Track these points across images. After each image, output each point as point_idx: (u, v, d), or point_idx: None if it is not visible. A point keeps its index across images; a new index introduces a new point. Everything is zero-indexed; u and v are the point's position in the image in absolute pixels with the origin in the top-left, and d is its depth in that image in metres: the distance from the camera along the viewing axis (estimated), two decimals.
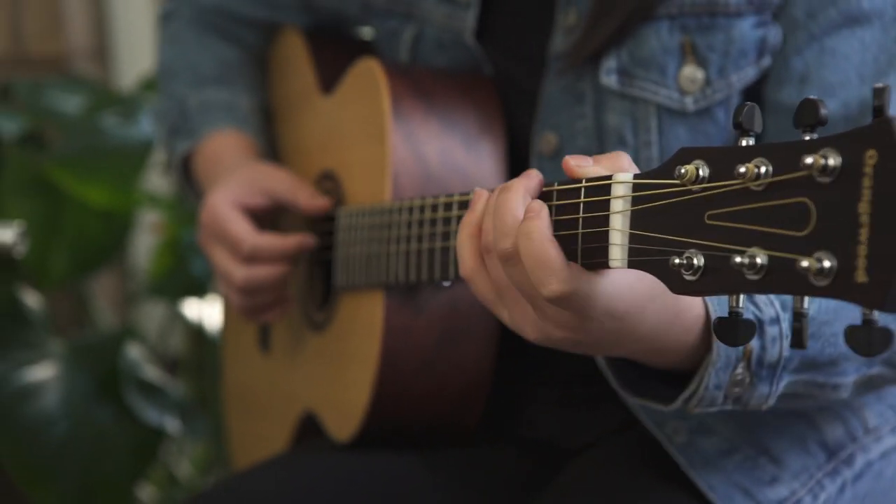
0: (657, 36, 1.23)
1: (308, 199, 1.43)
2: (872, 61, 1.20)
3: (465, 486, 1.36)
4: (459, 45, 1.39)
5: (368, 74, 1.37)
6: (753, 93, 1.26)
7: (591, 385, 1.31)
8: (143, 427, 2.06)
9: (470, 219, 1.03)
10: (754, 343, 1.05)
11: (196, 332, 2.48)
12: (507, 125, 1.35)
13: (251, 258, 1.40)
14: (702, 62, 1.23)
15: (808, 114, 0.75)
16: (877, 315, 0.72)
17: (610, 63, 1.25)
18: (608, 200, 0.89)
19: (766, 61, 1.23)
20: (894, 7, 1.20)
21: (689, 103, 1.24)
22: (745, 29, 1.22)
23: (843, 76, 1.20)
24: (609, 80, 1.26)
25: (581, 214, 0.92)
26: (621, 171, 0.94)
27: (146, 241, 2.64)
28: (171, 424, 2.09)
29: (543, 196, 0.97)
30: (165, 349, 2.60)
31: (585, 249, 0.91)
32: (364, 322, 1.34)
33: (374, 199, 1.33)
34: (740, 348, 1.03)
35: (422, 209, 1.22)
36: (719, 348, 1.03)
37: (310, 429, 1.48)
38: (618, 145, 1.26)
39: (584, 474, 1.29)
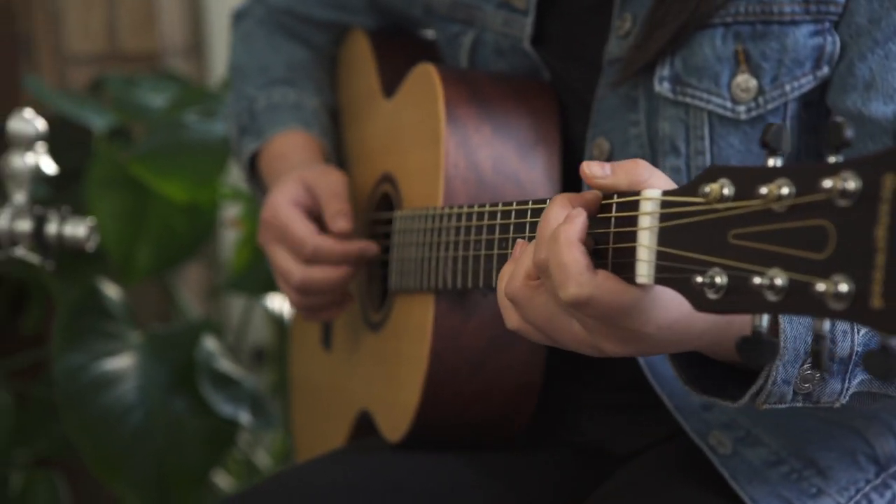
0: (711, 44, 1.22)
1: (332, 215, 1.43)
2: None
3: (511, 488, 1.37)
4: (517, 50, 1.39)
5: (425, 79, 1.38)
6: (813, 101, 1.24)
7: (640, 391, 1.31)
8: (216, 418, 2.10)
9: (507, 269, 1.02)
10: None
11: (278, 324, 2.52)
12: (562, 132, 1.35)
13: (312, 259, 1.42)
14: (755, 71, 1.22)
15: (833, 136, 0.75)
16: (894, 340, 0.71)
17: (663, 71, 1.25)
18: (636, 217, 0.88)
19: (825, 71, 1.21)
20: None
21: (742, 112, 1.23)
22: (801, 37, 1.21)
23: None
24: (662, 87, 1.25)
25: (612, 229, 0.92)
26: (639, 180, 0.94)
27: (233, 235, 2.69)
28: (244, 416, 2.12)
29: None
30: (246, 342, 2.64)
31: (615, 264, 0.91)
32: (415, 324, 1.36)
33: (428, 203, 1.34)
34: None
35: (471, 216, 1.23)
36: (787, 341, 1.02)
37: (366, 428, 1.50)
38: (670, 153, 1.26)
39: (628, 482, 1.29)
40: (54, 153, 2.62)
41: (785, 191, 0.75)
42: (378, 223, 1.49)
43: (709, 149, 1.25)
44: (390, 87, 1.51)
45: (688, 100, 1.24)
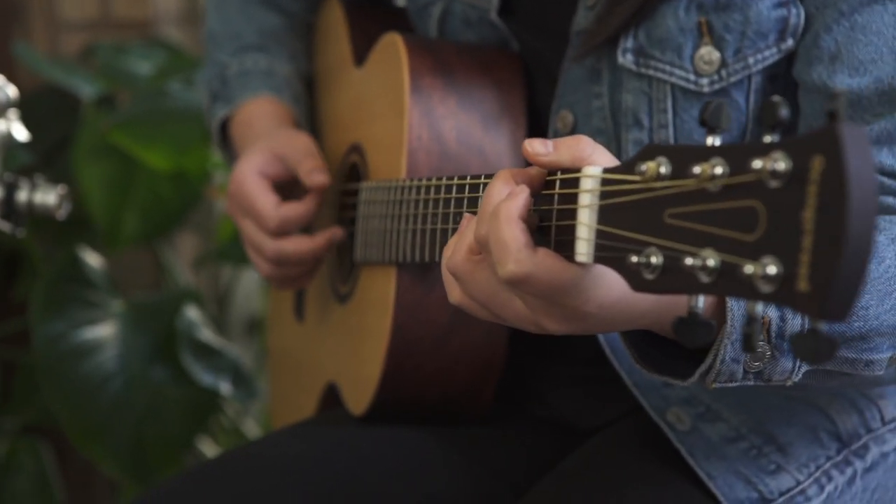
0: (674, 15, 1.20)
1: (307, 171, 1.42)
2: None
3: (476, 462, 1.37)
4: (485, 21, 1.37)
5: (392, 48, 1.36)
6: (779, 74, 1.23)
7: (604, 366, 1.30)
8: (197, 388, 2.10)
9: (451, 243, 1.01)
10: (773, 314, 1.01)
11: (269, 293, 2.51)
12: (529, 104, 1.34)
13: (279, 231, 1.41)
14: (718, 43, 1.20)
15: (768, 115, 0.73)
16: (822, 323, 0.70)
17: (627, 43, 1.23)
18: (577, 194, 0.87)
19: (789, 44, 1.19)
20: None
21: (705, 84, 1.21)
22: (764, 9, 1.18)
23: (875, 52, 1.16)
24: (625, 59, 1.23)
25: (555, 206, 0.90)
26: (581, 156, 0.93)
27: (222, 205, 2.68)
28: (225, 387, 2.12)
29: None
30: (233, 311, 2.63)
31: (558, 242, 0.90)
32: (378, 297, 1.35)
33: (393, 174, 1.33)
34: (759, 320, 0.99)
35: (429, 189, 1.21)
36: (734, 320, 1.00)
37: (334, 400, 1.50)
38: (633, 126, 1.24)
39: (587, 458, 1.28)
40: (43, 120, 2.63)
41: (718, 170, 0.74)
42: (347, 194, 1.48)
43: (672, 122, 1.23)
44: (361, 55, 1.50)
45: (651, 72, 1.22)
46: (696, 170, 0.75)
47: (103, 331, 2.09)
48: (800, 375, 1.07)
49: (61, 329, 2.05)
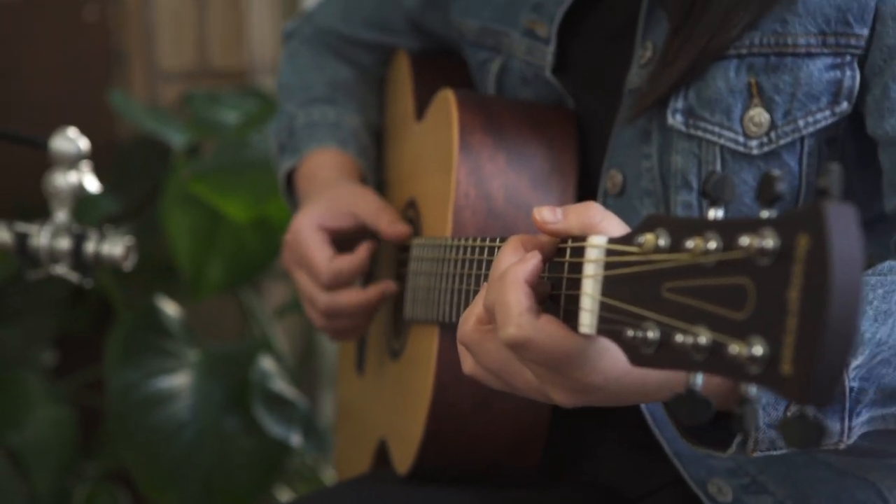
0: (724, 76, 1.18)
1: (388, 224, 1.42)
2: None
3: None
4: (541, 79, 1.36)
5: (444, 104, 1.36)
6: (836, 137, 1.19)
7: (651, 431, 1.27)
8: (267, 439, 2.10)
9: (465, 312, 1.00)
10: None
11: None
12: (581, 162, 1.32)
13: (332, 285, 1.41)
14: (767, 104, 1.17)
15: (764, 190, 0.71)
16: (810, 408, 0.67)
17: (677, 103, 1.21)
18: (582, 263, 0.85)
19: (843, 107, 1.16)
20: None
21: (755, 146, 1.18)
22: (815, 71, 1.15)
23: None
24: (675, 120, 1.21)
25: (564, 275, 0.89)
26: (591, 223, 0.91)
27: None
28: (296, 438, 2.12)
29: None
30: (317, 362, 2.64)
31: (567, 311, 0.88)
32: (423, 355, 1.34)
33: (441, 231, 1.32)
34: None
35: (469, 250, 1.20)
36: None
37: (386, 456, 1.49)
38: (682, 188, 1.21)
39: None
40: (138, 169, 2.68)
41: (712, 245, 0.72)
42: (402, 249, 1.48)
43: None
44: (422, 109, 1.50)
45: (700, 133, 1.20)
46: (690, 244, 0.73)
47: (178, 380, 2.12)
48: (853, 437, 1.01)
49: (136, 378, 2.08)
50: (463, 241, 1.23)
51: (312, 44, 1.69)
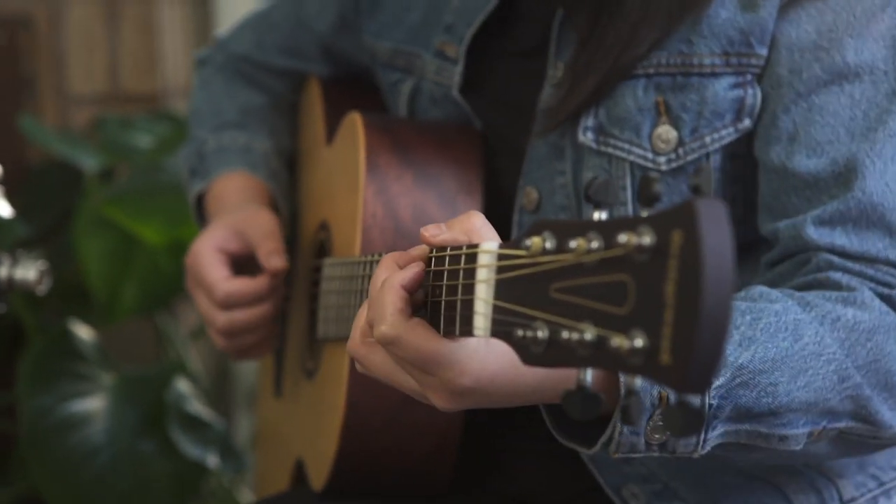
0: (633, 94, 1.22)
1: (266, 254, 1.44)
2: (862, 117, 1.16)
3: None
4: (450, 99, 1.39)
5: (351, 127, 1.39)
6: (739, 153, 1.23)
7: None
8: (184, 461, 2.10)
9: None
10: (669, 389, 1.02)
11: None
12: (489, 178, 1.35)
13: (227, 304, 1.42)
14: (675, 122, 1.21)
15: (643, 190, 0.74)
16: (690, 396, 0.70)
17: (588, 121, 1.24)
18: (475, 269, 0.88)
19: (746, 124, 1.20)
20: (884, 61, 1.17)
21: (663, 162, 1.22)
22: (720, 90, 1.20)
23: (832, 134, 1.17)
24: (586, 137, 1.24)
25: (445, 282, 0.92)
26: (472, 233, 0.96)
27: None
28: (212, 459, 2.12)
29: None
30: (233, 384, 2.64)
31: (448, 317, 0.92)
32: (335, 372, 1.36)
33: (350, 251, 1.34)
34: (656, 394, 1.01)
35: (376, 265, 1.22)
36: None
37: (303, 475, 1.50)
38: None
39: None
40: (49, 193, 2.67)
41: (594, 244, 0.75)
42: (315, 270, 1.50)
43: (630, 199, 1.23)
44: (332, 134, 1.52)
45: (610, 150, 1.23)
46: (573, 244, 0.76)
47: (92, 404, 2.11)
48: (707, 448, 1.07)
49: (49, 403, 2.07)
50: (370, 258, 1.25)
51: (224, 70, 1.70)
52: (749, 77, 1.20)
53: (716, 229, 0.68)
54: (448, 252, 0.94)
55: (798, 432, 1.09)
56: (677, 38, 1.20)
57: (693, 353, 0.67)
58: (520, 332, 0.80)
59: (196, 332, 2.62)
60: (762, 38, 1.19)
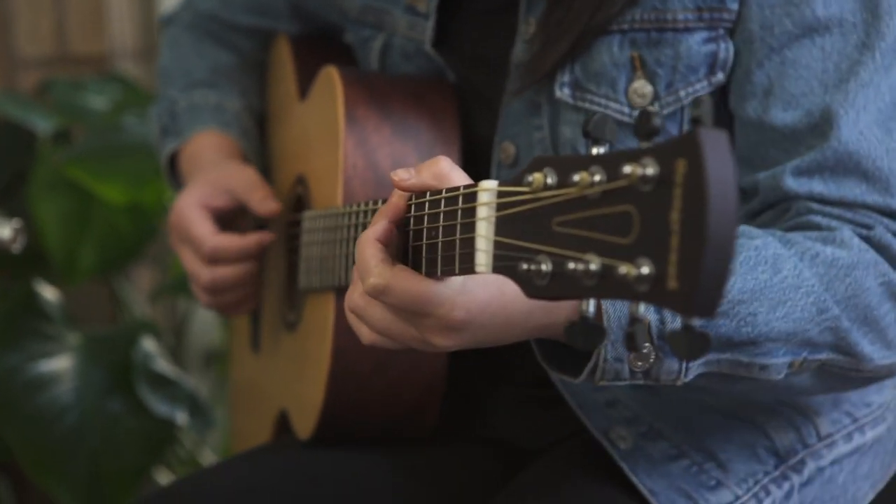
0: (608, 50, 1.24)
1: (259, 200, 1.47)
2: (834, 69, 1.20)
3: (424, 483, 1.39)
4: (422, 53, 1.41)
5: (328, 81, 1.40)
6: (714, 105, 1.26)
7: (548, 387, 1.33)
8: (153, 419, 2.12)
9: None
10: (652, 316, 1.07)
11: (226, 325, 2.53)
12: (466, 133, 1.37)
13: (213, 259, 1.44)
14: (650, 77, 1.24)
15: (642, 124, 0.77)
16: (696, 319, 0.74)
17: (564, 77, 1.26)
18: (474, 208, 0.91)
19: (719, 77, 1.24)
20: (852, 13, 1.20)
21: None
22: (694, 44, 1.22)
23: (805, 86, 1.20)
24: (563, 93, 1.27)
25: (459, 221, 0.94)
26: (441, 173, 1.01)
27: None
28: (181, 417, 2.14)
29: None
30: (190, 344, 2.66)
31: (445, 257, 0.95)
32: (319, 323, 1.38)
33: (331, 202, 1.36)
34: (642, 320, 1.04)
35: (364, 213, 1.25)
36: (610, 321, 1.06)
37: (287, 427, 1.52)
38: None
39: (533, 479, 1.31)
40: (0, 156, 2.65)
41: (597, 178, 0.78)
42: (292, 224, 1.51)
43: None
44: (305, 90, 1.54)
45: (587, 105, 1.26)
46: (577, 178, 0.78)
47: (59, 363, 2.11)
48: (689, 376, 1.11)
49: (16, 362, 2.07)
50: (353, 207, 1.27)
51: (192, 29, 1.71)
52: (721, 31, 1.23)
53: (719, 157, 0.71)
54: (443, 195, 0.97)
55: (778, 361, 1.13)
56: None
57: (700, 277, 0.70)
58: (524, 266, 0.83)
59: (155, 292, 2.63)
60: None
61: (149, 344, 2.20)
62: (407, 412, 1.38)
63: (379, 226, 1.04)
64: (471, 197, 0.93)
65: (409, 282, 0.99)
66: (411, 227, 1.04)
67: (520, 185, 0.85)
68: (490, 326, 1.02)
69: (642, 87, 1.24)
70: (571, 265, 0.78)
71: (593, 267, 0.77)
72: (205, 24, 1.70)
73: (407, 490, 1.38)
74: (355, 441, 1.40)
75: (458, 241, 0.94)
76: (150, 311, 2.68)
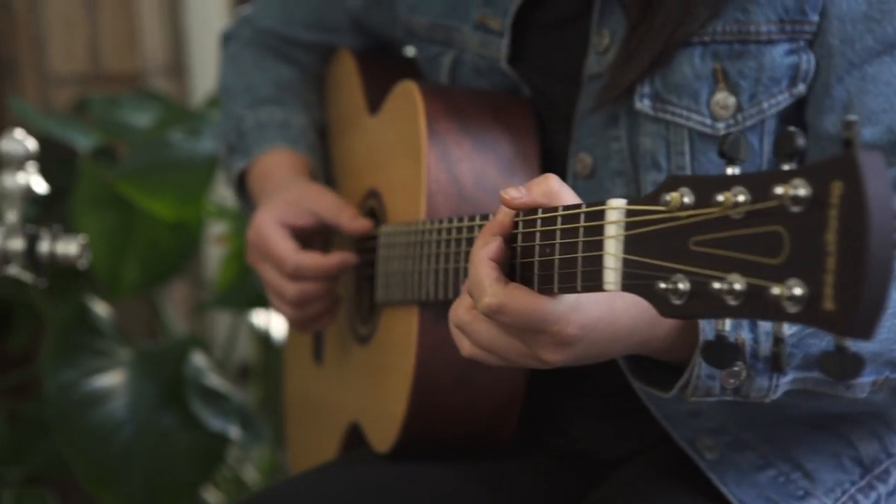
0: (690, 63, 1.25)
1: (349, 220, 1.48)
2: None
3: (501, 497, 1.40)
4: (496, 69, 1.42)
5: (407, 95, 1.41)
6: (789, 117, 1.27)
7: (627, 398, 1.33)
8: (206, 433, 2.13)
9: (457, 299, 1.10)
10: (746, 335, 1.08)
11: (263, 340, 2.55)
12: (542, 146, 1.38)
13: (296, 275, 1.45)
14: (733, 89, 1.24)
15: (786, 145, 0.78)
16: (849, 341, 0.75)
17: (644, 88, 1.27)
18: (602, 226, 0.92)
19: (800, 89, 1.25)
20: None
21: (722, 128, 1.25)
22: (777, 56, 1.24)
23: (885, 103, 1.21)
24: (643, 104, 1.28)
25: (558, 240, 0.97)
26: (552, 195, 1.03)
27: (218, 252, 2.72)
28: (234, 431, 2.15)
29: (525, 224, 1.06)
30: (233, 358, 2.66)
31: (564, 274, 0.97)
32: (401, 336, 1.39)
33: (412, 217, 1.37)
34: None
35: (451, 230, 1.26)
36: (705, 339, 1.07)
37: (357, 440, 1.53)
38: (651, 168, 1.28)
39: (618, 488, 1.32)
40: (40, 173, 2.66)
41: (741, 198, 0.79)
42: (365, 238, 1.52)
43: (689, 164, 1.27)
44: (375, 104, 1.55)
45: (668, 116, 1.27)
46: (720, 198, 0.80)
47: (112, 379, 2.13)
48: (778, 393, 1.13)
49: (72, 378, 2.08)
50: (438, 224, 1.28)
51: (252, 46, 1.72)
52: (802, 43, 1.24)
53: (877, 179, 0.72)
54: (559, 212, 0.99)
55: (863, 381, 1.15)
56: (733, 6, 1.24)
57: (861, 298, 0.71)
58: (661, 285, 0.84)
59: (198, 307, 2.64)
60: (815, 4, 1.23)
61: (199, 358, 2.21)
62: (486, 426, 1.39)
63: (493, 245, 1.05)
64: (597, 215, 0.94)
65: (524, 300, 1.01)
66: (519, 243, 1.05)
67: (655, 203, 0.86)
68: (599, 342, 1.04)
69: (725, 98, 1.25)
70: (716, 284, 0.79)
71: (738, 286, 0.78)
72: (265, 40, 1.71)
73: (485, 503, 1.39)
74: (432, 454, 1.41)
75: (580, 259, 0.95)
76: (186, 327, 2.69)
